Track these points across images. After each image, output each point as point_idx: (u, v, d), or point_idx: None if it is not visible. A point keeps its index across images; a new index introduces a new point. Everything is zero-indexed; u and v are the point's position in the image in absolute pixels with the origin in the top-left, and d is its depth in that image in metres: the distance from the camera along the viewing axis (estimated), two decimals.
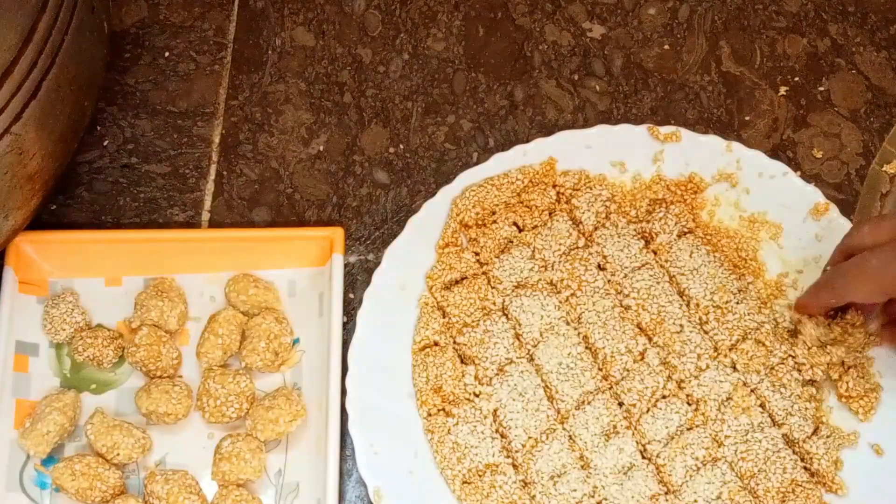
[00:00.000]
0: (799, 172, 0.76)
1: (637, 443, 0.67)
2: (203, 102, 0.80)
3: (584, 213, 0.73)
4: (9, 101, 0.59)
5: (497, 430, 0.68)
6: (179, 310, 0.71)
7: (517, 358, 0.69)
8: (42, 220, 0.72)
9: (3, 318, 0.69)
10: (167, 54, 0.81)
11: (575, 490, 0.66)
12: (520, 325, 0.70)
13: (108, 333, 0.70)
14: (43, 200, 0.67)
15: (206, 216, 0.76)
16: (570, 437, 0.67)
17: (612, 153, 0.75)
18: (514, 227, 0.73)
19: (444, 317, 0.71)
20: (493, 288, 0.71)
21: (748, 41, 0.83)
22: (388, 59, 0.82)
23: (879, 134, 0.79)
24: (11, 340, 0.69)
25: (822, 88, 0.81)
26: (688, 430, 0.67)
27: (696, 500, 0.65)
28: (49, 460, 0.67)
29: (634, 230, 0.73)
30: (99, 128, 0.78)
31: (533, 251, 0.72)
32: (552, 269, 0.72)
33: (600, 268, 0.72)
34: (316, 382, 0.69)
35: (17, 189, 0.64)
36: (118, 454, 0.66)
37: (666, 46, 0.83)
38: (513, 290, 0.71)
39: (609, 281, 0.71)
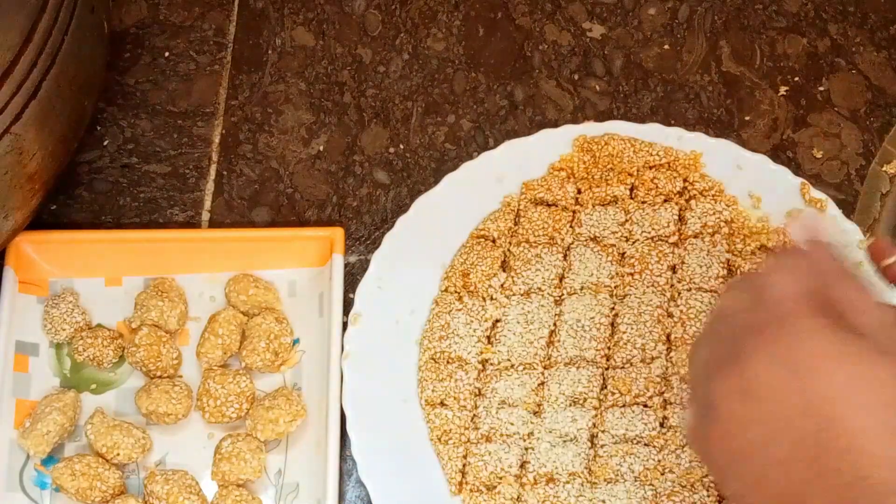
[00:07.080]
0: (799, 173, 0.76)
1: (594, 425, 0.67)
2: (203, 102, 0.80)
3: (694, 216, 0.72)
4: (9, 101, 0.59)
5: (487, 337, 0.69)
6: (179, 310, 0.71)
7: (548, 293, 0.70)
8: (42, 220, 0.72)
9: (3, 318, 0.69)
10: (167, 54, 0.81)
11: (512, 424, 0.67)
12: (570, 269, 0.71)
13: (108, 333, 0.70)
14: (43, 200, 0.67)
15: (206, 216, 0.76)
16: (542, 382, 0.68)
17: (753, 185, 0.74)
18: (628, 192, 0.73)
19: (515, 224, 0.72)
20: (571, 227, 0.72)
21: (748, 41, 0.83)
22: (388, 59, 0.82)
23: (879, 134, 0.79)
24: (11, 340, 0.69)
25: (822, 88, 0.81)
26: (644, 444, 0.66)
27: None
28: (49, 460, 0.67)
29: (727, 259, 0.71)
30: (99, 128, 0.78)
31: (627, 218, 0.72)
32: (631, 244, 0.72)
33: (673, 269, 0.71)
34: (316, 382, 0.69)
35: (17, 189, 0.64)
36: (118, 454, 0.66)
37: (666, 46, 0.82)
38: (585, 241, 0.72)
39: (672, 284, 0.71)
